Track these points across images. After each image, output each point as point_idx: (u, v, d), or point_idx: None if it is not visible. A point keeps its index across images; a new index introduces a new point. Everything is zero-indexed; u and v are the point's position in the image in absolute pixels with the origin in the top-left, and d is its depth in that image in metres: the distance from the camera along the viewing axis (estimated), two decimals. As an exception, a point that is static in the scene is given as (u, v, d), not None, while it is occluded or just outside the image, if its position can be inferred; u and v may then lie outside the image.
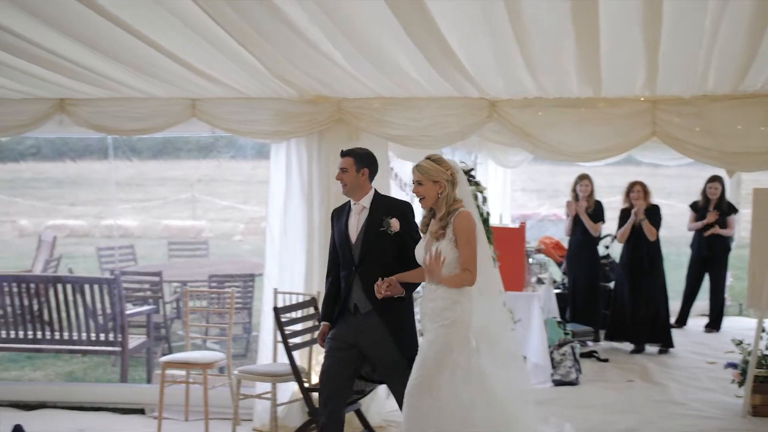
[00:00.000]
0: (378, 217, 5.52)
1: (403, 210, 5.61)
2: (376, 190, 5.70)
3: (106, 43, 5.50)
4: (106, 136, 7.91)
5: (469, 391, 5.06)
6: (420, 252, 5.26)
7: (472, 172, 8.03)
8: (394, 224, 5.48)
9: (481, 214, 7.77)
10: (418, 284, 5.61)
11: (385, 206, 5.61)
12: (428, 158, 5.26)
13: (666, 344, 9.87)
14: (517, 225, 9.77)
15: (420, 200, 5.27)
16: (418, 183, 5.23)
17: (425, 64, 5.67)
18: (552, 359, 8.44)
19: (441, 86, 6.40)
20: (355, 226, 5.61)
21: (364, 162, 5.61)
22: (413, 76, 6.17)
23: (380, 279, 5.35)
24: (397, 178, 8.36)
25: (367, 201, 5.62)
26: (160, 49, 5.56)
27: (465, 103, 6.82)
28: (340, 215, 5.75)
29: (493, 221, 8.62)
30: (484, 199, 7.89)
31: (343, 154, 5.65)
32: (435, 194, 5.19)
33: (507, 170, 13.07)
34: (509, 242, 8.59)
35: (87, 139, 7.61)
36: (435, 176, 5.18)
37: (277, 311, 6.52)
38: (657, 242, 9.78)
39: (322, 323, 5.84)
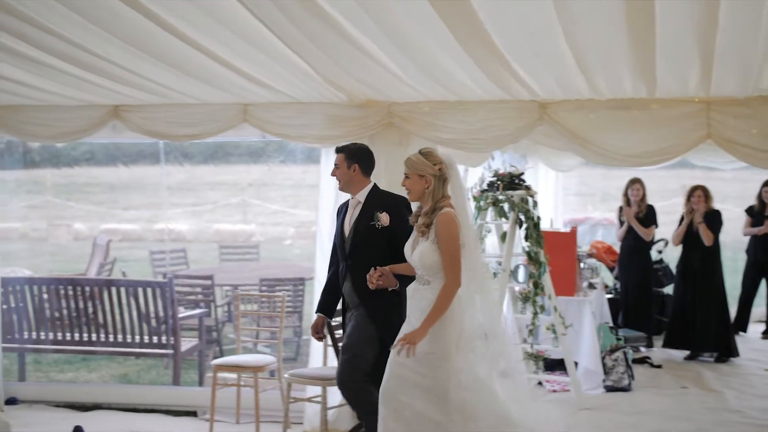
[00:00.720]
0: (371, 212, 5.57)
1: (396, 204, 5.60)
2: (375, 185, 5.75)
3: (159, 50, 5.57)
4: (158, 142, 8.00)
5: (464, 394, 4.93)
6: (408, 248, 5.14)
7: (523, 176, 7.96)
8: (383, 219, 5.50)
9: (531, 218, 7.71)
10: (414, 278, 5.35)
11: (378, 201, 5.65)
12: (419, 151, 5.16)
13: (727, 353, 9.65)
14: (568, 229, 9.68)
15: (407, 194, 5.20)
16: (405, 176, 5.15)
17: (474, 68, 5.64)
18: (604, 365, 8.34)
19: (491, 89, 6.36)
20: (349, 220, 5.71)
21: (355, 158, 5.70)
22: (462, 80, 6.14)
23: (373, 268, 5.30)
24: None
25: (362, 195, 5.70)
26: (213, 56, 5.61)
27: (516, 106, 6.76)
28: (341, 210, 5.88)
29: (544, 225, 8.54)
30: (535, 204, 7.82)
31: (337, 150, 5.77)
32: (421, 188, 5.08)
33: (559, 174, 12.96)
34: (560, 247, 8.51)
35: (140, 144, 7.74)
36: (420, 170, 5.07)
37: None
38: (714, 248, 9.59)
39: (317, 314, 5.94)
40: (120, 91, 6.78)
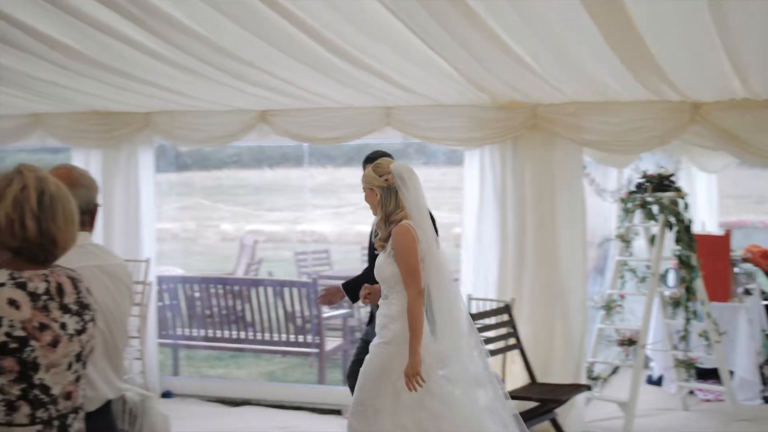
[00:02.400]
0: None
1: None
2: None
3: (305, 57, 5.66)
4: (302, 145, 8.20)
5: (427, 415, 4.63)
6: (378, 261, 4.88)
7: (673, 177, 7.69)
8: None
9: (682, 221, 7.45)
10: None
11: None
12: (374, 164, 4.95)
13: None
14: (722, 233, 9.30)
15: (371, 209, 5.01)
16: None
17: (621, 69, 5.49)
18: (762, 374, 7.97)
19: (638, 90, 6.18)
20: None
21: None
22: (609, 81, 6.00)
23: (363, 287, 5.12)
24: (594, 184, 8.16)
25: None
26: (359, 62, 5.66)
27: (665, 106, 6.55)
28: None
29: (696, 228, 8.23)
30: (686, 206, 7.55)
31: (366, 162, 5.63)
32: (374, 202, 4.87)
33: (712, 175, 12.48)
34: (713, 251, 8.19)
35: (284, 147, 7.91)
36: (369, 183, 4.87)
37: (472, 318, 6.49)
38: None
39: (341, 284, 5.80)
40: (267, 96, 6.95)
